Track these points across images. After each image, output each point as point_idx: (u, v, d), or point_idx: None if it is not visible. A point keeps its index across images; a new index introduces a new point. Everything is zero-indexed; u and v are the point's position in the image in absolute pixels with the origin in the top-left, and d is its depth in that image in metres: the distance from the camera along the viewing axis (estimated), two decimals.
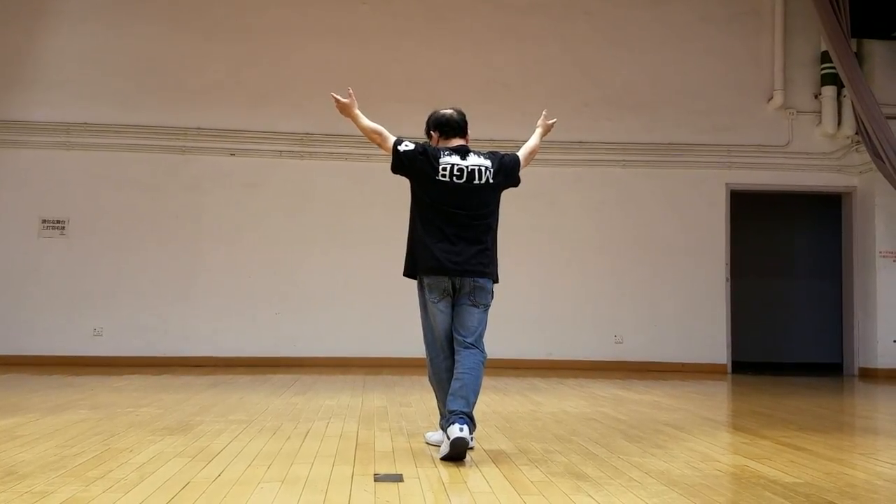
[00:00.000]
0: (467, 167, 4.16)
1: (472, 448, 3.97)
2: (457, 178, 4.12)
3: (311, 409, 5.63)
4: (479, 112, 10.37)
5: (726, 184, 10.20)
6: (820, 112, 10.23)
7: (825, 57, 9.95)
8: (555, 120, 4.67)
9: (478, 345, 4.12)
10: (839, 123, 10.11)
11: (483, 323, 4.17)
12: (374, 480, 3.37)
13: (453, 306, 4.14)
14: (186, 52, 9.95)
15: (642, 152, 10.19)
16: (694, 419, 5.52)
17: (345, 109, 4.35)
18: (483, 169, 4.19)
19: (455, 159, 4.16)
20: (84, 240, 9.62)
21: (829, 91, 10.10)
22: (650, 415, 5.71)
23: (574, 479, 3.44)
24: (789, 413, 6.02)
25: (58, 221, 9.62)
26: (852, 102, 9.47)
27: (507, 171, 4.29)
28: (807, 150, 10.27)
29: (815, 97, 10.29)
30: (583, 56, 10.32)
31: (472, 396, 3.93)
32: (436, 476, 3.49)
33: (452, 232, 4.11)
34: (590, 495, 3.16)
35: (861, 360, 10.04)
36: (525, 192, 9.79)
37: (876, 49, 10.12)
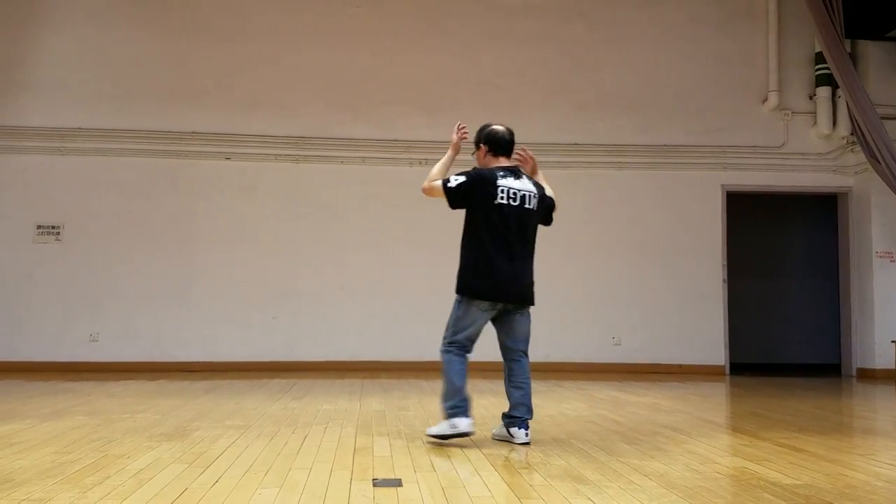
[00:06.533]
0: (519, 191, 4.30)
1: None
2: (512, 201, 4.26)
3: (308, 414, 5.61)
4: (473, 114, 10.39)
5: (722, 185, 10.21)
6: (815, 113, 10.25)
7: (819, 58, 9.96)
8: (529, 153, 4.54)
9: (527, 352, 4.43)
10: (834, 124, 10.13)
11: (530, 328, 4.46)
12: (373, 486, 3.35)
13: (499, 314, 4.34)
14: (180, 56, 9.93)
15: (637, 154, 10.19)
16: (693, 421, 5.51)
17: (455, 145, 4.53)
18: (531, 195, 4.36)
19: (510, 181, 4.30)
20: (79, 245, 9.59)
21: (823, 92, 10.13)
22: (649, 417, 5.70)
23: (573, 483, 3.43)
24: (788, 414, 6.01)
25: (53, 227, 9.59)
26: (847, 103, 9.48)
27: (546, 207, 4.50)
28: (802, 151, 10.29)
29: (810, 98, 10.31)
30: (577, 58, 10.33)
31: (531, 403, 4.37)
32: (435, 481, 3.47)
33: (510, 256, 4.25)
34: (589, 498, 3.14)
35: (859, 361, 10.05)
36: None
37: (870, 49, 10.14)
